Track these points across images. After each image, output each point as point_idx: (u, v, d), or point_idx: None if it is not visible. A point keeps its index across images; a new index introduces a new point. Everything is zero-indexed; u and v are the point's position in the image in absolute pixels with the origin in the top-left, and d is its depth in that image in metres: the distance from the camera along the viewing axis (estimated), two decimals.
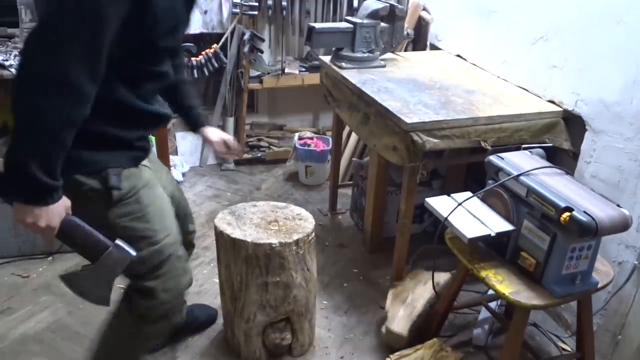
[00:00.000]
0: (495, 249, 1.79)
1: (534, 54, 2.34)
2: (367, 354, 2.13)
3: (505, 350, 1.76)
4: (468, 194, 1.83)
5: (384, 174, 2.52)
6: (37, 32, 1.15)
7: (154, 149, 1.78)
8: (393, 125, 2.07)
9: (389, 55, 2.74)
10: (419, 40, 3.19)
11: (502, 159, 1.78)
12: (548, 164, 1.77)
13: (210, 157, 3.61)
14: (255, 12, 3.15)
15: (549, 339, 2.24)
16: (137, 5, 1.21)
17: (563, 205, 1.52)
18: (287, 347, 2.05)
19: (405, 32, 2.70)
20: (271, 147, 3.65)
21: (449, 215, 1.75)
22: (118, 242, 1.35)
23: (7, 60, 2.32)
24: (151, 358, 2.04)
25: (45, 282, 2.42)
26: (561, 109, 2.18)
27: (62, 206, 1.28)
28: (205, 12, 3.23)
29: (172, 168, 2.93)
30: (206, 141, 1.90)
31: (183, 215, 1.81)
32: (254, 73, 3.33)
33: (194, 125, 1.87)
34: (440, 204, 1.83)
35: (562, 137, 2.18)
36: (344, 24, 2.56)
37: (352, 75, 2.43)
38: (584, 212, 1.50)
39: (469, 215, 1.77)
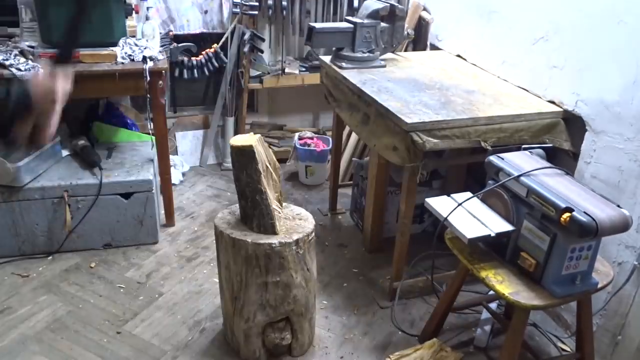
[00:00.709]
0: (495, 249, 1.79)
1: (534, 54, 2.34)
2: (366, 354, 2.13)
3: (505, 350, 1.76)
4: (468, 194, 1.83)
5: (384, 174, 2.52)
6: None
7: None
8: (393, 125, 2.07)
9: (389, 55, 2.74)
10: (419, 40, 3.19)
11: (502, 159, 1.78)
12: (548, 164, 1.77)
13: (211, 157, 3.61)
14: (256, 12, 3.15)
15: (549, 340, 2.24)
16: None
17: (563, 205, 1.52)
18: (287, 347, 2.05)
19: (405, 32, 2.69)
20: (271, 147, 3.64)
21: (448, 216, 1.75)
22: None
23: (7, 59, 2.32)
24: (150, 357, 2.05)
25: (45, 282, 2.42)
26: (561, 109, 2.18)
27: (39, 82, 1.28)
28: (206, 11, 3.23)
29: (172, 168, 2.93)
30: None
31: None
32: (254, 73, 3.33)
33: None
34: (440, 204, 1.83)
35: (562, 137, 2.18)
36: (344, 24, 2.56)
37: (352, 75, 2.43)
38: (584, 212, 1.50)
39: (469, 216, 1.77)
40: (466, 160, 2.62)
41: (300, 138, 3.45)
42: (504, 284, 1.65)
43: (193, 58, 3.20)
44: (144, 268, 2.56)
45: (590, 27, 2.04)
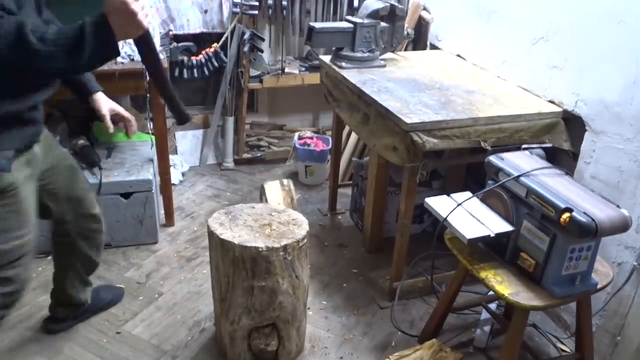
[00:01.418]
0: (494, 249, 1.79)
1: (534, 54, 2.34)
2: (366, 354, 2.13)
3: (505, 351, 1.76)
4: (468, 194, 1.83)
5: (384, 174, 2.52)
6: None
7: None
8: (393, 125, 2.07)
9: (389, 55, 2.74)
10: (419, 40, 3.19)
11: (502, 159, 1.78)
12: (548, 164, 1.77)
13: (210, 157, 3.61)
14: (256, 12, 3.15)
15: (548, 340, 2.24)
16: None
17: (563, 206, 1.52)
18: (273, 354, 2.00)
19: (405, 32, 2.69)
20: (271, 146, 3.65)
21: (448, 216, 1.75)
22: None
23: None
24: (150, 357, 2.05)
25: (45, 282, 2.42)
26: (561, 110, 2.18)
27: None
28: (206, 11, 3.23)
29: (172, 167, 2.93)
30: (97, 113, 1.85)
31: (76, 199, 1.88)
32: (254, 73, 3.33)
33: (81, 95, 1.84)
34: (440, 204, 1.82)
35: (562, 137, 2.18)
36: (344, 24, 2.56)
37: (352, 75, 2.43)
38: (584, 213, 1.50)
39: (469, 216, 1.77)
40: (466, 160, 2.62)
41: (300, 138, 3.45)
42: (504, 285, 1.65)
43: (193, 58, 3.19)
44: (144, 268, 2.56)
45: (590, 27, 2.04)
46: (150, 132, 2.66)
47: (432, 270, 2.08)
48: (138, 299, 2.35)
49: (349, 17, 2.59)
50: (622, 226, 1.55)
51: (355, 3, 3.29)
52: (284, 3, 3.18)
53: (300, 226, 1.93)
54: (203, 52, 3.21)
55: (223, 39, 3.23)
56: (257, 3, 3.12)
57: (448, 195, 1.88)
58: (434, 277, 2.22)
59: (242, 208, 2.03)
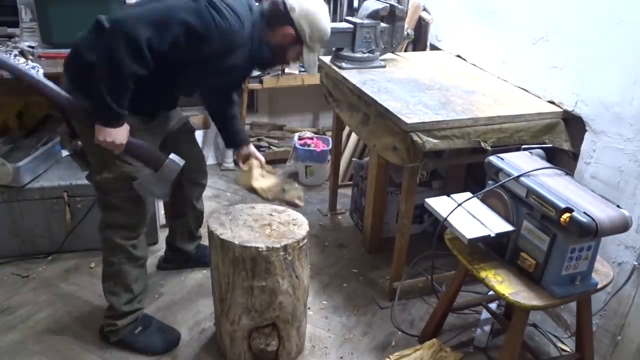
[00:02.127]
0: (495, 249, 1.79)
1: (534, 54, 2.34)
2: (366, 354, 2.13)
3: (505, 350, 1.76)
4: (468, 194, 1.83)
5: (384, 174, 2.52)
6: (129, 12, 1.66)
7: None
8: (393, 125, 2.07)
9: (389, 55, 2.74)
10: (419, 40, 3.19)
11: (502, 159, 1.78)
12: (548, 164, 1.77)
13: (210, 157, 3.61)
14: None
15: (549, 340, 2.24)
16: (197, 46, 1.67)
17: (563, 206, 1.52)
18: (274, 354, 2.00)
19: (405, 33, 2.70)
20: (271, 147, 3.64)
21: (448, 216, 1.75)
22: (171, 156, 1.80)
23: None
24: (150, 357, 2.05)
25: (45, 282, 2.42)
26: (561, 110, 2.18)
27: (126, 129, 1.70)
28: None
29: None
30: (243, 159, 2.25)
31: (196, 168, 2.34)
32: (254, 73, 3.32)
33: (233, 145, 2.30)
34: (440, 204, 1.82)
35: (562, 137, 2.18)
36: (344, 24, 2.56)
37: (352, 76, 2.43)
38: (584, 213, 1.50)
39: (469, 216, 1.77)
40: (466, 160, 2.62)
41: (300, 138, 3.45)
42: (504, 284, 1.65)
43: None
44: None
45: (590, 27, 2.04)
46: None
47: (432, 270, 2.08)
48: None
49: (349, 18, 2.59)
50: (622, 226, 1.55)
51: (355, 3, 3.29)
52: None
53: (300, 226, 1.93)
54: None
55: None
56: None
57: (448, 195, 1.88)
58: (434, 277, 2.22)
59: (242, 208, 2.03)
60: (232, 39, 1.71)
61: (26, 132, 2.69)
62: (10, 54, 2.37)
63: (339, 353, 2.13)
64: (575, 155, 2.16)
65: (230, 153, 3.54)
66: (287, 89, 3.48)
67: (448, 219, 1.75)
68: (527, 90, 2.39)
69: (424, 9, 3.10)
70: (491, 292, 2.14)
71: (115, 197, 1.88)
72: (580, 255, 1.60)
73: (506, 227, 1.71)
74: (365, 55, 2.56)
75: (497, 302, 2.32)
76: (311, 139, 3.45)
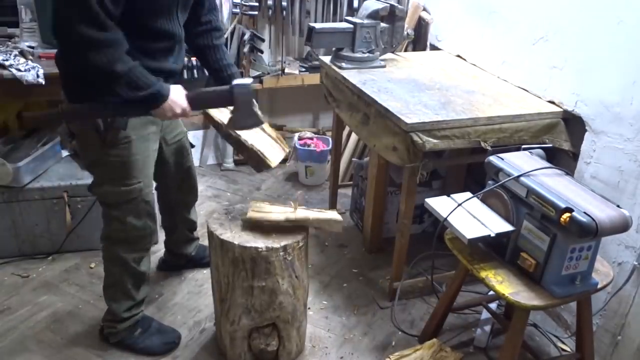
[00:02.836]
0: (495, 249, 1.79)
1: (534, 54, 2.34)
2: (366, 354, 2.13)
3: (505, 350, 1.76)
4: (468, 194, 1.83)
5: (384, 174, 2.52)
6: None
7: None
8: (393, 125, 2.07)
9: (389, 55, 2.74)
10: (419, 40, 3.19)
11: (502, 159, 1.78)
12: (548, 164, 1.77)
13: (210, 157, 3.61)
14: (256, 12, 3.15)
15: (549, 340, 2.24)
16: None
17: (563, 206, 1.52)
18: (274, 354, 2.00)
19: (405, 33, 2.69)
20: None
21: (448, 216, 1.75)
22: (234, 82, 1.74)
23: (7, 60, 2.32)
24: (150, 357, 2.05)
25: (45, 282, 2.42)
26: (561, 110, 2.18)
27: (177, 91, 1.67)
28: None
29: None
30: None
31: (187, 187, 2.25)
32: (254, 73, 3.32)
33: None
34: (440, 204, 1.82)
35: (562, 137, 2.18)
36: (344, 24, 2.56)
37: (352, 76, 2.43)
38: (584, 212, 1.50)
39: (469, 216, 1.77)
40: (466, 160, 2.62)
41: (300, 138, 3.45)
42: (504, 284, 1.65)
43: (193, 58, 3.19)
44: None
45: (590, 27, 2.04)
46: None
47: (432, 270, 2.09)
48: None
49: (349, 18, 2.59)
50: (622, 226, 1.55)
51: (355, 3, 3.29)
52: (284, 3, 3.18)
53: (301, 226, 1.93)
54: None
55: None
56: (257, 3, 3.12)
57: (448, 195, 1.88)
58: (434, 277, 2.22)
59: (242, 208, 2.03)
60: None
61: (26, 132, 2.69)
62: (10, 54, 2.37)
63: (339, 353, 2.13)
64: (575, 155, 2.16)
65: (230, 153, 3.54)
66: (287, 89, 3.48)
67: (448, 219, 1.75)
68: (527, 90, 2.39)
69: (424, 9, 3.11)
70: (491, 292, 2.14)
71: (117, 210, 1.86)
72: (581, 255, 1.60)
73: (506, 227, 1.71)
74: (365, 55, 2.56)
75: (497, 302, 2.32)
76: (311, 139, 3.45)
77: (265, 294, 1.86)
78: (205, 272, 2.54)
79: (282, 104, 3.69)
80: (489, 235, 1.68)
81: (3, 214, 2.46)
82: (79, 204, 2.53)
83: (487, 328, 2.23)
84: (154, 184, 2.09)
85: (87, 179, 2.53)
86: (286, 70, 3.33)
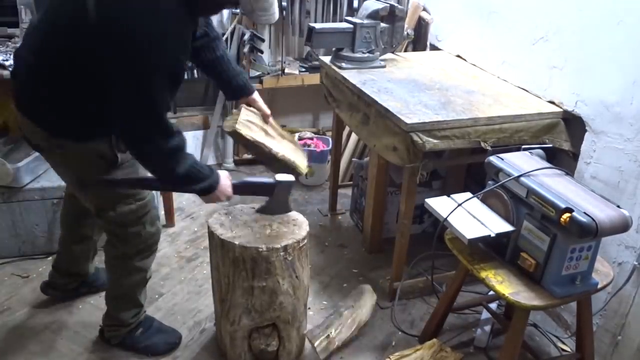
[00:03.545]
0: (495, 249, 1.79)
1: (534, 54, 2.34)
2: (366, 354, 2.13)
3: (505, 350, 1.76)
4: (468, 194, 1.83)
5: (384, 174, 2.52)
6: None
7: None
8: (393, 125, 2.07)
9: (389, 55, 2.74)
10: (419, 40, 3.19)
11: (502, 159, 1.78)
12: (548, 164, 1.77)
13: (211, 158, 3.61)
14: None
15: (549, 340, 2.24)
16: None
17: (563, 206, 1.52)
18: (274, 354, 1.99)
19: (405, 33, 2.70)
20: None
21: (448, 216, 1.75)
22: (277, 177, 1.86)
23: (7, 60, 2.32)
24: (151, 358, 2.05)
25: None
26: (561, 110, 2.18)
27: (224, 180, 1.77)
28: None
29: None
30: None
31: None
32: (254, 73, 3.32)
33: (233, 97, 2.05)
34: (440, 204, 1.82)
35: (562, 137, 2.18)
36: (344, 25, 2.56)
37: (352, 76, 2.43)
38: (584, 213, 1.50)
39: (469, 216, 1.77)
40: (466, 160, 2.62)
41: (300, 138, 3.45)
42: (504, 285, 1.65)
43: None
44: None
45: (590, 28, 2.04)
46: None
47: (433, 271, 2.08)
48: None
49: (349, 18, 2.59)
50: (623, 226, 1.55)
51: (355, 3, 3.29)
52: (284, 3, 3.18)
53: (300, 226, 1.92)
54: None
55: (223, 39, 3.23)
56: None
57: (448, 195, 1.88)
58: (434, 277, 2.22)
59: (242, 208, 2.03)
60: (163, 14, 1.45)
61: None
62: (10, 55, 2.37)
63: (340, 353, 2.13)
64: (575, 155, 2.16)
65: (230, 152, 3.54)
66: (287, 89, 3.48)
67: (448, 219, 1.75)
68: (527, 90, 2.39)
69: (424, 9, 3.11)
70: (491, 292, 2.14)
71: (136, 226, 1.84)
72: (581, 255, 1.60)
73: (506, 227, 1.71)
74: (365, 55, 2.56)
75: (497, 302, 2.32)
76: (311, 139, 3.45)
77: (265, 294, 1.85)
78: (206, 272, 2.54)
79: (282, 104, 3.69)
80: (489, 236, 1.68)
81: (3, 214, 2.46)
82: None
83: (487, 328, 2.23)
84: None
85: None
86: (286, 71, 3.33)
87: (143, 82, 1.46)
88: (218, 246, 1.84)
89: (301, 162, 2.00)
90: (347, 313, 2.13)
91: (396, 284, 2.38)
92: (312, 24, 2.50)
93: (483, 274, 1.70)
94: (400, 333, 2.24)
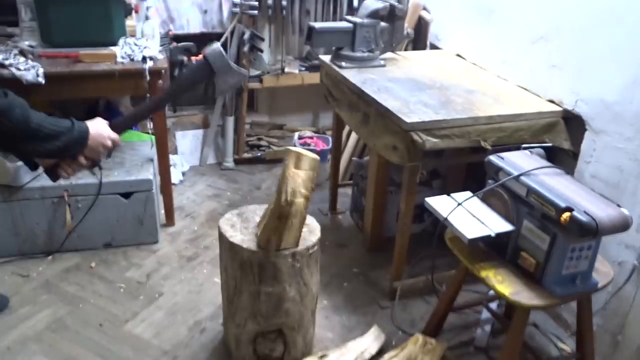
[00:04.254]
0: (495, 249, 1.79)
1: (534, 53, 2.34)
2: None
3: (505, 350, 1.76)
4: (468, 193, 1.83)
5: (384, 173, 2.52)
6: None
7: None
8: (393, 124, 2.07)
9: (389, 54, 2.74)
10: (419, 39, 3.19)
11: (502, 158, 1.78)
12: (548, 163, 1.77)
13: (210, 157, 3.61)
14: (255, 12, 3.15)
15: (549, 340, 2.24)
16: None
17: (563, 205, 1.52)
18: (279, 359, 1.98)
19: (405, 32, 2.69)
20: (271, 146, 3.64)
21: (448, 215, 1.75)
22: (205, 53, 1.64)
23: (7, 59, 2.32)
24: (150, 357, 2.05)
25: (45, 282, 2.42)
26: (561, 109, 2.18)
27: (97, 125, 1.49)
28: (205, 11, 3.23)
29: (172, 167, 2.93)
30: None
31: None
32: (254, 72, 3.33)
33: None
34: (440, 203, 1.82)
35: (562, 136, 2.18)
36: (344, 24, 2.55)
37: (352, 75, 2.43)
38: (584, 212, 1.50)
39: (469, 215, 1.76)
40: (466, 159, 2.62)
41: (300, 137, 3.45)
42: (504, 284, 1.65)
43: (193, 57, 3.19)
44: (144, 268, 2.56)
45: (590, 27, 2.04)
46: (150, 132, 2.66)
47: (433, 270, 2.08)
48: (138, 299, 2.35)
49: (349, 17, 2.59)
50: (623, 225, 1.55)
51: (355, 3, 3.29)
52: (284, 3, 3.18)
53: (312, 232, 1.90)
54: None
55: (223, 39, 3.23)
56: (256, 3, 3.12)
57: (448, 194, 1.87)
58: (435, 276, 2.22)
59: (254, 209, 2.00)
60: None
61: None
62: (10, 54, 2.37)
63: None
64: (575, 155, 2.16)
65: (230, 151, 3.54)
66: (287, 88, 3.48)
67: (448, 218, 1.74)
68: (527, 90, 2.38)
69: (424, 8, 3.10)
70: (491, 292, 2.14)
71: None
72: (581, 255, 1.60)
73: (506, 226, 1.71)
74: (365, 54, 2.56)
75: (497, 301, 2.32)
76: (311, 138, 3.45)
77: (271, 299, 1.83)
78: (206, 272, 2.54)
79: (282, 103, 3.69)
80: (489, 235, 1.68)
81: (3, 213, 2.46)
82: (79, 204, 2.53)
83: (488, 328, 2.22)
84: None
85: (87, 178, 2.54)
86: (286, 70, 3.33)
87: None
88: (227, 248, 1.83)
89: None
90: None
91: (396, 283, 2.37)
92: (312, 23, 2.50)
93: (483, 274, 1.70)
94: (400, 333, 2.24)
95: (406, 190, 2.16)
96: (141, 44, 2.57)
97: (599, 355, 2.02)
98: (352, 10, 3.28)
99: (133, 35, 2.70)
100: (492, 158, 1.79)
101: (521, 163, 1.75)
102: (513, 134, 2.12)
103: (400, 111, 2.05)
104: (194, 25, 3.22)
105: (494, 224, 1.72)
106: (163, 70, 2.51)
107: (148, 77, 2.44)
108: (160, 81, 2.51)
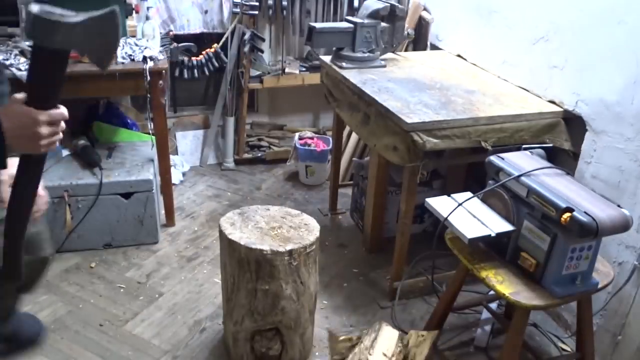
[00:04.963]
0: (495, 249, 1.79)
1: (534, 54, 2.34)
2: None
3: (506, 350, 1.76)
4: (468, 194, 1.83)
5: (384, 174, 2.52)
6: None
7: None
8: (393, 125, 2.07)
9: (389, 55, 2.74)
10: (420, 40, 3.19)
11: (503, 159, 1.78)
12: (548, 164, 1.77)
13: (211, 157, 3.61)
14: (256, 12, 3.15)
15: (549, 340, 2.24)
16: None
17: (564, 205, 1.52)
18: (276, 358, 1.98)
19: (405, 32, 2.70)
20: (271, 146, 3.64)
21: (449, 216, 1.75)
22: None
23: (7, 59, 2.32)
24: (150, 357, 2.05)
25: (45, 282, 2.41)
26: (561, 109, 2.18)
27: (9, 116, 1.12)
28: (206, 11, 3.23)
29: (172, 167, 2.93)
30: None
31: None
32: (254, 73, 3.33)
33: None
34: (440, 204, 1.82)
35: (562, 137, 2.18)
36: (344, 24, 2.56)
37: (353, 75, 2.43)
38: (585, 212, 1.50)
39: (469, 216, 1.76)
40: (466, 160, 2.62)
41: (300, 138, 3.45)
42: (505, 284, 1.65)
43: (193, 58, 3.19)
44: (144, 268, 2.56)
45: (590, 27, 2.04)
46: (150, 132, 2.66)
47: (433, 270, 2.08)
48: (138, 299, 2.35)
49: (349, 17, 2.59)
50: (623, 226, 1.55)
51: (356, 3, 3.29)
52: (284, 3, 3.18)
53: (310, 232, 1.91)
54: (203, 52, 3.21)
55: (223, 39, 3.24)
56: (257, 3, 3.12)
57: (449, 195, 1.87)
58: (435, 276, 2.22)
59: (256, 209, 2.01)
60: None
61: None
62: (10, 54, 2.37)
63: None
64: (575, 155, 2.16)
65: (230, 152, 3.54)
66: (288, 89, 3.48)
67: (448, 218, 1.75)
68: (527, 90, 2.38)
69: (425, 9, 3.11)
70: (492, 292, 2.14)
71: None
72: (581, 255, 1.60)
73: (507, 226, 1.71)
74: (366, 55, 2.56)
75: (497, 301, 2.32)
76: (311, 138, 3.44)
77: (268, 297, 1.84)
78: (206, 272, 2.54)
79: (282, 103, 3.69)
80: (490, 235, 1.68)
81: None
82: (79, 204, 2.53)
83: (488, 328, 2.22)
84: None
85: (87, 178, 2.54)
86: (286, 70, 3.33)
87: None
88: (226, 245, 1.84)
89: None
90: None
91: (396, 283, 2.37)
92: (313, 24, 2.50)
93: (483, 274, 1.70)
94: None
95: (406, 191, 2.16)
96: (142, 44, 2.57)
97: (599, 355, 2.02)
98: (352, 11, 3.28)
99: (134, 36, 2.70)
100: (493, 158, 1.80)
101: (522, 163, 1.75)
102: (513, 134, 2.12)
103: (400, 112, 2.05)
104: (194, 25, 3.22)
105: (494, 224, 1.72)
106: (163, 71, 2.51)
107: (148, 78, 2.44)
108: (160, 81, 2.51)
